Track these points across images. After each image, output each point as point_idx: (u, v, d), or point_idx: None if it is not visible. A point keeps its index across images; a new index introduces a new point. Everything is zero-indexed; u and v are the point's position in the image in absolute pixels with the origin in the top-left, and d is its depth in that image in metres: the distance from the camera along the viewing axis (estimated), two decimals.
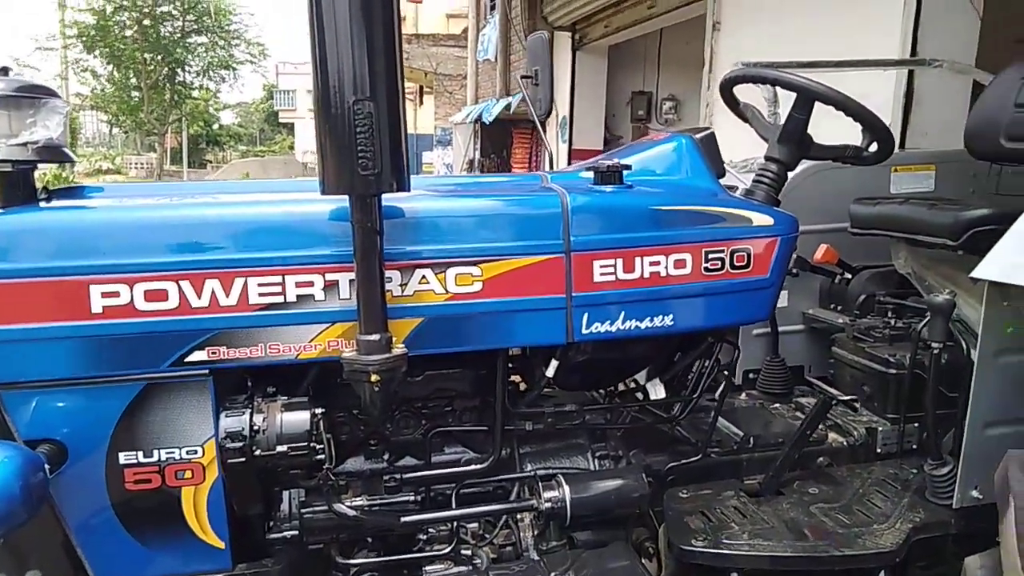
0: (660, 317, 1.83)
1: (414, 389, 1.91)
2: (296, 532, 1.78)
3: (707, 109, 6.02)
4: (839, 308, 2.73)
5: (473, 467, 1.94)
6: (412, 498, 1.89)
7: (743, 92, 2.30)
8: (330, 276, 1.62)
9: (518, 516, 1.92)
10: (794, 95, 2.04)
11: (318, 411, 1.67)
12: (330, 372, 1.78)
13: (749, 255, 1.87)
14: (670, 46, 9.68)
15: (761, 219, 1.89)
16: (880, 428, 2.21)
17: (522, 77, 2.58)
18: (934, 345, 1.87)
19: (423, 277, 1.67)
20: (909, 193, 2.75)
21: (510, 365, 1.99)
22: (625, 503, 1.84)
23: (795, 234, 1.94)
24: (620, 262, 1.77)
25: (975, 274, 1.72)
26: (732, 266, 1.86)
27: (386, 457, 1.96)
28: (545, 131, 2.55)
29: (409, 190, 1.49)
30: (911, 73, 4.15)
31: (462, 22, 16.68)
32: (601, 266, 1.77)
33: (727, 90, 2.22)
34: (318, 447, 1.68)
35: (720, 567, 1.79)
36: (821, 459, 2.18)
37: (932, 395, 1.92)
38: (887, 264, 2.69)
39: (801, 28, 4.84)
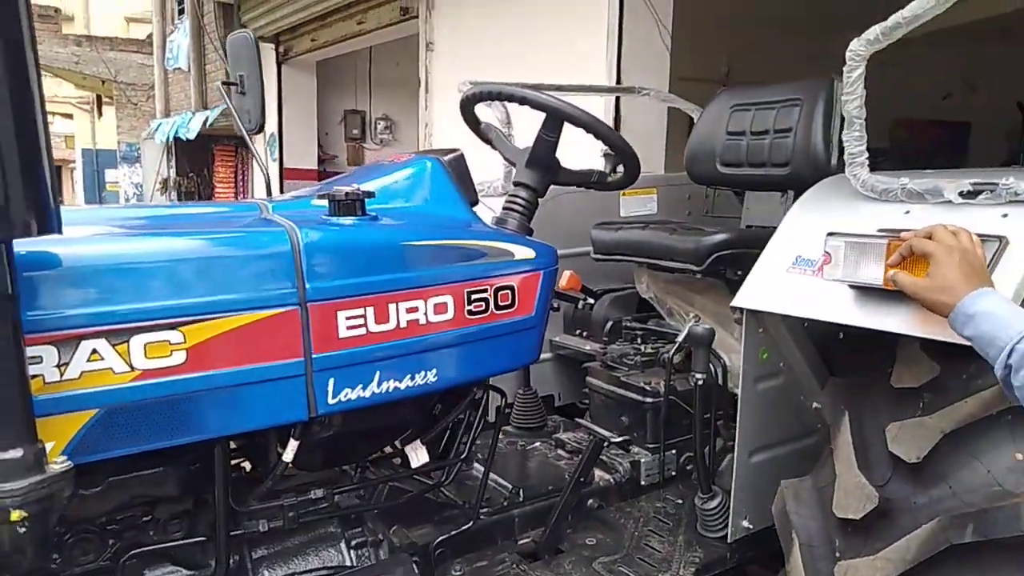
0: (422, 373, 1.53)
1: (91, 504, 1.38)
2: None
3: (426, 130, 5.89)
4: (585, 334, 2.66)
5: None
6: None
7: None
8: None
9: None
10: (535, 117, 1.87)
11: None
12: None
13: (514, 292, 1.65)
14: (381, 65, 9.50)
15: (523, 252, 1.68)
16: (643, 460, 2.13)
17: (224, 84, 2.11)
18: (697, 376, 1.81)
19: (93, 351, 1.18)
20: (640, 217, 2.79)
21: (232, 447, 1.54)
22: None
23: (556, 266, 1.76)
24: (371, 311, 1.44)
25: (735, 303, 1.68)
26: (497, 306, 1.62)
27: None
28: (253, 148, 2.10)
29: (60, 231, 1.01)
30: (617, 101, 4.38)
31: (145, 27, 14.87)
32: (347, 318, 1.41)
33: (468, 108, 1.99)
34: None
35: None
36: (591, 501, 2.04)
37: (699, 427, 1.87)
38: (627, 287, 2.69)
39: (516, 53, 4.90)
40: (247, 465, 1.68)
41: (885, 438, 1.44)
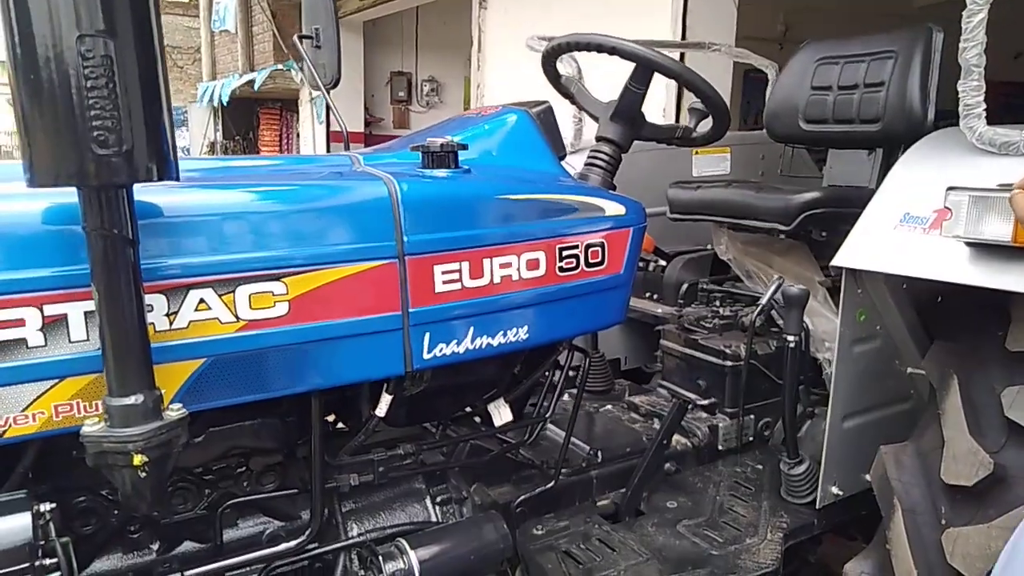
0: (513, 330, 1.50)
1: (192, 454, 1.39)
2: None
3: (478, 90, 5.81)
4: (656, 297, 2.61)
5: (285, 544, 1.46)
6: None
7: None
8: (51, 309, 1.08)
9: None
10: (624, 69, 1.80)
11: (46, 508, 1.13)
12: (61, 447, 1.22)
13: (604, 250, 1.61)
14: (427, 25, 9.39)
15: (613, 208, 1.63)
16: (721, 424, 2.09)
17: (300, 37, 2.08)
18: (790, 338, 1.75)
19: (201, 301, 1.18)
20: (715, 176, 2.71)
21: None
22: (487, 559, 1.49)
23: (645, 224, 1.71)
24: (466, 266, 1.41)
25: (835, 263, 1.62)
26: (587, 264, 1.59)
27: (156, 547, 1.42)
28: (331, 103, 2.06)
29: (178, 178, 1.00)
30: (681, 57, 4.24)
31: None
32: (444, 272, 1.39)
33: (551, 61, 1.93)
34: (48, 562, 1.13)
35: None
36: (668, 465, 2.01)
37: (789, 391, 1.81)
38: (700, 249, 2.63)
39: (573, 7, 4.78)
40: (332, 421, 1.68)
41: (999, 403, 1.38)
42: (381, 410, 1.47)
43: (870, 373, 1.73)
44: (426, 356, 1.40)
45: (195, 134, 12.92)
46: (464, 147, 1.50)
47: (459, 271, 1.40)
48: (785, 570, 1.70)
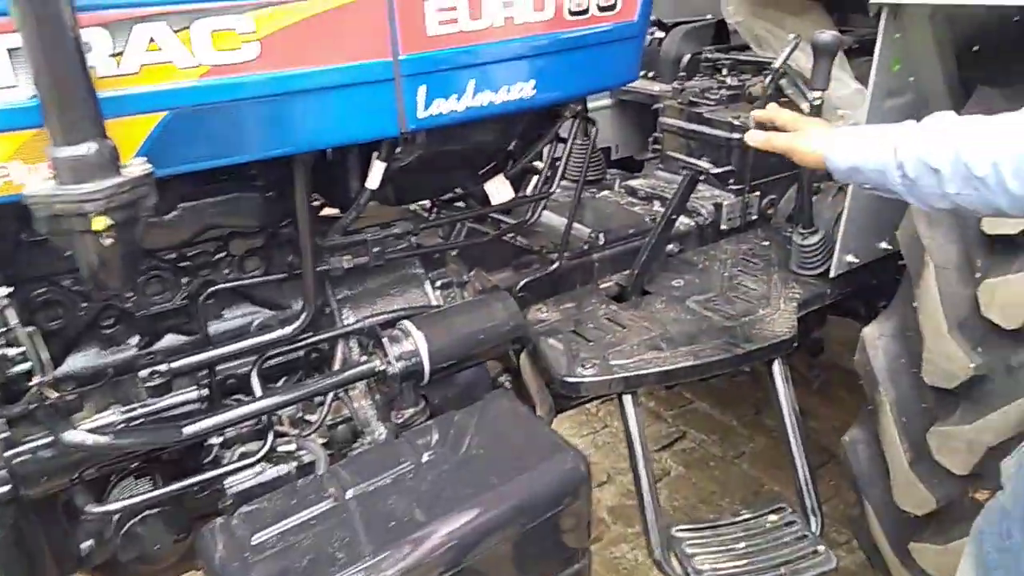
0: (518, 85, 1.31)
1: (162, 234, 1.22)
2: (7, 487, 1.10)
3: None
4: (652, 75, 2.40)
5: (276, 332, 1.35)
6: (193, 396, 1.27)
7: None
8: None
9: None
10: None
11: (0, 292, 0.98)
12: (7, 229, 1.05)
13: None
14: None
15: None
16: (726, 202, 1.98)
17: None
18: (815, 95, 1.59)
19: (151, 39, 0.96)
20: None
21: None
22: (498, 338, 1.40)
23: None
24: (464, 2, 1.19)
25: None
26: (598, 7, 1.37)
27: (135, 342, 1.29)
28: None
29: None
30: None
31: None
32: (437, 9, 1.17)
33: None
34: (12, 352, 1.00)
35: (618, 392, 1.47)
36: (671, 246, 1.91)
37: None
38: (700, 18, 2.39)
39: None
40: (322, 203, 1.51)
41: None
42: (373, 182, 1.31)
43: None
44: (422, 114, 1.22)
45: None
46: None
47: (455, 7, 1.18)
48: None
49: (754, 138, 1.27)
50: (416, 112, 1.21)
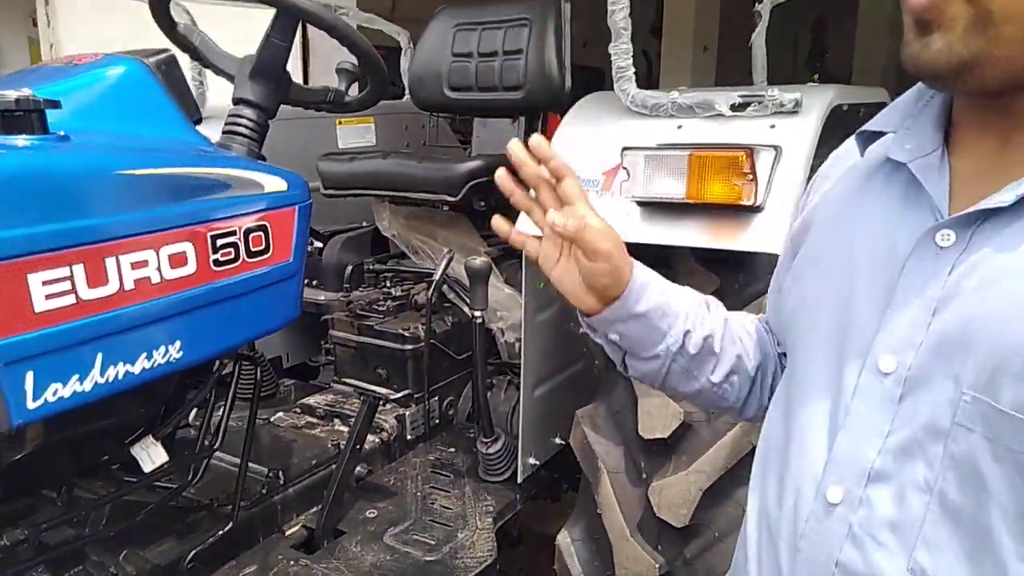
0: (162, 349, 1.14)
1: None
2: None
3: (51, 51, 4.72)
4: (316, 283, 2.35)
5: None
6: None
7: None
8: None
9: None
10: (246, 23, 1.51)
11: None
12: None
13: (267, 234, 1.32)
14: None
15: (272, 183, 1.35)
16: (407, 412, 1.94)
17: None
18: (476, 314, 1.66)
19: None
20: (362, 148, 2.52)
21: None
22: None
23: (310, 200, 1.45)
24: (79, 270, 1.01)
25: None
26: (249, 253, 1.28)
27: None
28: None
29: None
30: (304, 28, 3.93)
31: None
32: (44, 282, 0.97)
33: (163, 8, 1.53)
34: None
35: None
36: (359, 469, 1.79)
37: (481, 368, 1.73)
38: (356, 227, 2.43)
39: None
40: None
41: None
42: None
43: (552, 339, 1.73)
44: (32, 405, 0.98)
45: None
46: (55, 104, 1.07)
47: (70, 278, 1.00)
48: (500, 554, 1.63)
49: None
50: (25, 403, 0.97)
